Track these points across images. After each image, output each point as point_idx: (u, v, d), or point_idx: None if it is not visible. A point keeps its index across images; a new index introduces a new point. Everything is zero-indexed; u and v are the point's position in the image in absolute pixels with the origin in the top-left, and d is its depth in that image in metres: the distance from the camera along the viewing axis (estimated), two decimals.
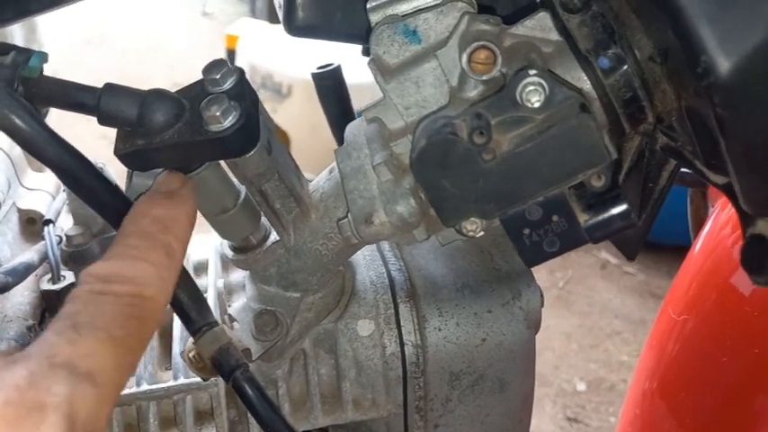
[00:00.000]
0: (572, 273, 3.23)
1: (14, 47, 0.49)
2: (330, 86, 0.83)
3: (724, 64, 0.39)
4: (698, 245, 1.04)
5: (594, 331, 2.93)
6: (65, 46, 4.71)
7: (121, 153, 0.50)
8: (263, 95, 3.54)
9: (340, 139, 0.78)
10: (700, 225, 1.07)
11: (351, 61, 0.81)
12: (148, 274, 0.42)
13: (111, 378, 0.37)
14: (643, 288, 3.16)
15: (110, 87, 0.50)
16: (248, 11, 5.71)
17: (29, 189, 0.87)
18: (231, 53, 3.91)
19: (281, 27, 0.67)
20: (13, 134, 0.45)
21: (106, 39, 5.27)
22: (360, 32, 0.61)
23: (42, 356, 0.36)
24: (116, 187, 0.50)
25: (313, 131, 3.10)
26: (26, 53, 0.49)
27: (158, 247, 0.44)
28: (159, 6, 6.06)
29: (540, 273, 3.16)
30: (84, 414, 0.35)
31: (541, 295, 0.74)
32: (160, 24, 5.73)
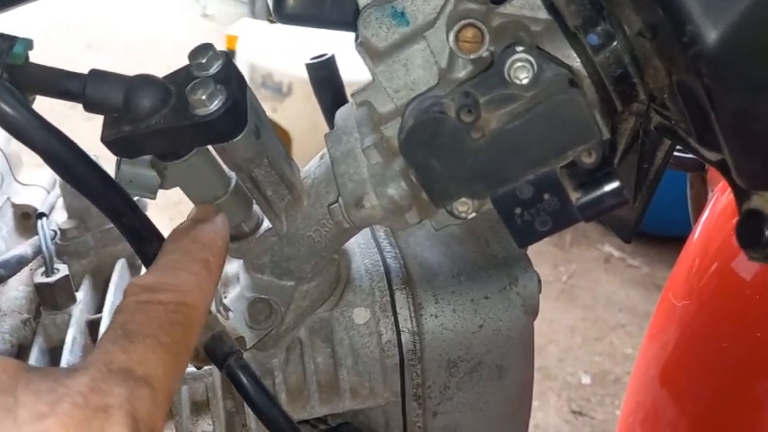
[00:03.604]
0: (575, 266, 3.22)
1: None
2: (324, 77, 0.83)
3: (710, 32, 0.38)
4: (698, 230, 1.04)
5: (599, 324, 2.92)
6: (65, 50, 4.72)
7: (108, 140, 0.50)
8: (263, 95, 3.54)
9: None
10: (699, 210, 1.07)
11: (348, 57, 0.81)
12: (189, 282, 0.46)
13: (162, 382, 0.40)
14: (647, 280, 3.15)
15: (96, 73, 0.50)
16: (248, 12, 5.72)
17: (23, 184, 0.87)
18: (231, 53, 3.92)
19: (280, 26, 0.67)
20: (1, 120, 0.45)
21: (106, 42, 5.27)
22: (349, 19, 0.61)
23: (100, 364, 0.39)
24: (106, 173, 0.49)
25: (314, 130, 3.09)
26: (10, 40, 0.48)
27: (198, 261, 0.47)
28: (159, 9, 6.07)
29: (544, 266, 3.16)
30: (145, 414, 0.38)
31: (539, 281, 0.73)
32: (160, 27, 5.74)
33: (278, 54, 3.58)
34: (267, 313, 0.63)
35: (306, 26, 0.66)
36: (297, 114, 3.48)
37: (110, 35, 5.37)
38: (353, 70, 0.90)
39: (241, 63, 3.69)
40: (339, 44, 0.75)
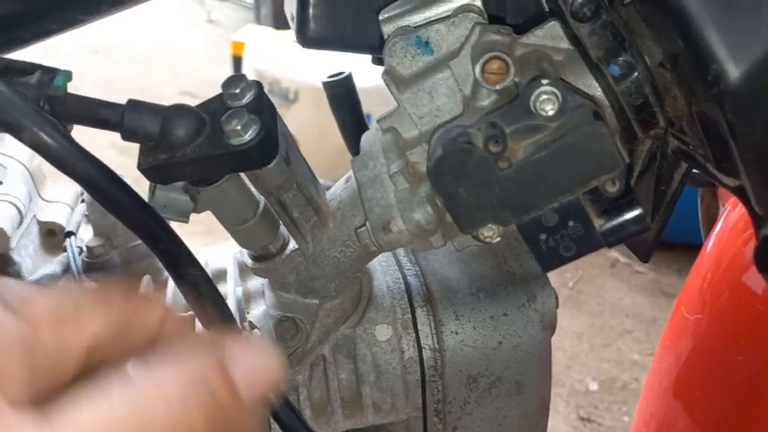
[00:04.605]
0: (582, 272, 3.23)
1: (40, 66, 0.50)
2: (341, 94, 0.84)
3: (734, 72, 0.40)
4: (709, 244, 1.05)
5: (606, 331, 2.93)
6: (72, 56, 4.75)
7: (145, 167, 0.51)
8: None
9: (351, 146, 0.80)
10: (711, 224, 1.08)
11: (358, 66, 0.82)
12: None
13: None
14: (654, 286, 3.16)
15: (133, 104, 0.51)
16: (253, 18, 5.74)
17: (48, 201, 0.88)
18: (237, 60, 3.93)
19: (286, 33, 0.68)
20: (43, 151, 0.47)
21: (113, 48, 5.30)
22: (371, 43, 0.62)
23: None
24: (143, 200, 0.51)
25: (321, 136, 3.11)
26: (51, 72, 0.50)
27: None
28: (165, 15, 6.09)
29: (550, 273, 3.17)
30: None
31: (556, 297, 0.74)
32: (166, 32, 5.76)
33: (285, 61, 3.59)
34: (294, 332, 0.65)
35: (329, 50, 0.67)
36: (304, 121, 3.49)
37: (116, 41, 5.39)
38: (362, 78, 0.91)
39: (248, 69, 3.71)
40: (347, 55, 0.76)
